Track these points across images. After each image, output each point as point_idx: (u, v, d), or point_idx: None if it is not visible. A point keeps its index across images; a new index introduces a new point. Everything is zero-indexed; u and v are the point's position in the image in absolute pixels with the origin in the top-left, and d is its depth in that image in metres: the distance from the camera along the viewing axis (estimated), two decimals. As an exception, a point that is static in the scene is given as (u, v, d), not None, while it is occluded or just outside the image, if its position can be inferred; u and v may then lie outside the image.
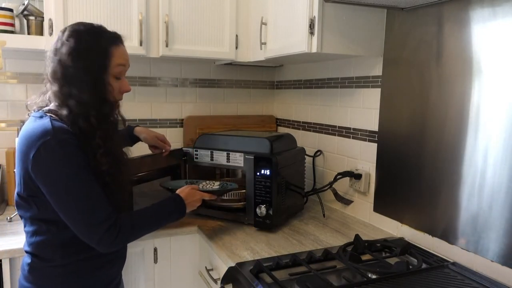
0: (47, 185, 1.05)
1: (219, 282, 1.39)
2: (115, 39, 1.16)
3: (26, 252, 1.17)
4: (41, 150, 1.02)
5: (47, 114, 1.10)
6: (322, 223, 1.71)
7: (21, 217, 1.16)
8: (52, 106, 1.14)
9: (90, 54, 1.11)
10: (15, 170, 1.22)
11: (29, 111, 1.19)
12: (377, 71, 1.66)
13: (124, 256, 1.31)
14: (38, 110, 1.15)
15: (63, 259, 1.13)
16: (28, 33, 1.80)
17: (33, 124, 1.09)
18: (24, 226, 1.16)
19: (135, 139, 1.65)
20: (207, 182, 1.69)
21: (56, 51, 1.11)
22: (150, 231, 1.26)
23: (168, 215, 1.29)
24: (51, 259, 1.13)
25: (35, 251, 1.14)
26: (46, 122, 1.06)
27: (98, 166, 1.10)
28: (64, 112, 1.09)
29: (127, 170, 1.23)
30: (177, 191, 1.38)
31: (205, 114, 2.36)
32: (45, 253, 1.13)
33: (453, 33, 1.31)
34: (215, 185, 1.65)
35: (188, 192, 1.38)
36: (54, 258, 1.13)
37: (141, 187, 1.64)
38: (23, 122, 1.95)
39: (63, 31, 1.13)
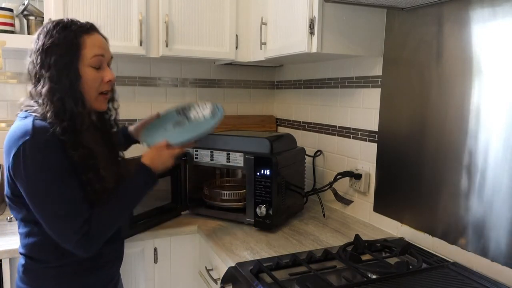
0: (24, 186, 1.03)
1: (219, 282, 1.39)
2: (86, 29, 1.12)
3: (21, 254, 1.15)
4: (20, 150, 1.01)
5: (32, 114, 1.08)
6: (322, 223, 1.71)
7: (16, 218, 1.14)
8: (35, 105, 1.11)
9: (59, 48, 1.07)
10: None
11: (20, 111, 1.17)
12: (377, 71, 1.66)
13: (122, 256, 1.29)
14: (25, 110, 1.13)
15: (58, 261, 1.11)
16: (28, 33, 1.80)
17: (17, 124, 1.08)
18: (18, 228, 1.15)
19: (131, 140, 1.56)
20: (199, 104, 1.50)
21: (30, 51, 1.10)
22: (127, 215, 1.22)
23: (140, 191, 1.20)
24: (45, 261, 1.11)
25: (29, 253, 1.12)
26: (28, 122, 1.05)
27: (83, 166, 1.07)
28: (45, 110, 1.07)
29: (112, 170, 1.19)
30: (142, 158, 1.24)
31: (205, 114, 2.36)
32: (39, 255, 1.12)
33: (453, 33, 1.31)
34: (207, 107, 1.47)
35: (153, 155, 1.24)
36: (49, 259, 1.11)
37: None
38: (23, 122, 1.95)
39: (40, 28, 1.12)
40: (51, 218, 1.05)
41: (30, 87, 1.11)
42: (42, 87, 1.07)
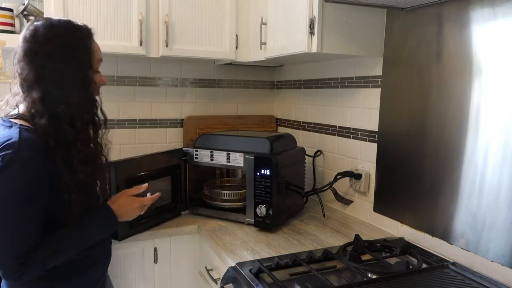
0: None
1: (219, 282, 1.39)
2: (90, 33, 1.11)
3: None
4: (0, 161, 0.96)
5: (17, 123, 1.02)
6: (322, 223, 1.71)
7: None
8: (23, 113, 1.05)
9: (75, 53, 1.06)
10: None
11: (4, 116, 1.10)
12: (377, 71, 1.66)
13: (110, 255, 1.27)
14: (6, 117, 1.07)
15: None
16: (28, 33, 1.80)
17: (1, 132, 1.02)
18: None
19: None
20: None
21: (35, 52, 1.02)
22: (75, 253, 1.10)
23: (93, 234, 1.13)
24: None
25: None
26: (14, 133, 0.99)
27: (74, 176, 1.04)
28: (43, 121, 1.01)
29: (103, 176, 1.18)
30: (110, 200, 1.19)
31: (205, 114, 2.36)
32: None
33: (453, 33, 1.31)
34: None
35: (122, 201, 1.19)
36: None
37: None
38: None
39: (34, 30, 1.04)
40: None
41: (36, 93, 1.02)
42: (57, 93, 1.03)
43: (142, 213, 1.27)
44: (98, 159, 1.16)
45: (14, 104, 1.10)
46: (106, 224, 1.16)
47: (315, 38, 1.48)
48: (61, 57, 1.04)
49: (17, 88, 1.08)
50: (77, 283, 1.16)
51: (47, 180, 1.01)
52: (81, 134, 1.07)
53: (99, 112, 1.15)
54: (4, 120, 1.06)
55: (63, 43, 1.05)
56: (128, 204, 1.20)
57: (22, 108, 1.08)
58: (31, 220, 1.00)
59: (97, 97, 1.16)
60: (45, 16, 1.67)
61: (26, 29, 1.06)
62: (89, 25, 1.14)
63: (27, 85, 1.04)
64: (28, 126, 1.03)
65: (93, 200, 1.16)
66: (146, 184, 1.31)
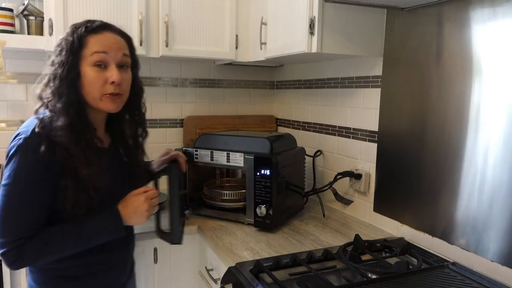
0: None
1: (219, 282, 1.39)
2: (93, 28, 1.08)
3: None
4: (11, 145, 1.03)
5: (39, 116, 1.07)
6: (322, 223, 1.71)
7: None
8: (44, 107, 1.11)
9: (62, 48, 1.07)
10: None
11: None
12: (377, 71, 1.66)
13: (126, 262, 1.26)
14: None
15: (59, 264, 1.09)
16: (28, 33, 1.80)
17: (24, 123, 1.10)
18: None
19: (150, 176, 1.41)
20: None
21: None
22: (68, 254, 1.08)
23: (93, 233, 1.09)
24: (47, 263, 1.09)
25: None
26: (30, 122, 1.06)
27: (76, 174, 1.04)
28: (46, 108, 1.07)
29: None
30: (120, 203, 1.14)
31: (205, 114, 2.36)
32: None
33: (453, 33, 1.31)
34: None
35: (128, 199, 1.14)
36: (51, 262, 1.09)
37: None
38: (23, 122, 1.95)
39: None
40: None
41: (39, 89, 1.10)
42: (44, 85, 1.08)
43: (154, 211, 1.21)
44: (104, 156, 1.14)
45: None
46: (108, 224, 1.11)
47: (315, 38, 1.48)
48: (54, 52, 1.09)
49: None
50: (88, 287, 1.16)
51: (53, 173, 1.03)
52: (73, 122, 1.05)
53: (92, 107, 1.11)
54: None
55: (60, 42, 1.09)
56: (134, 200, 1.14)
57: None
58: (37, 207, 1.03)
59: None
60: (44, 16, 1.68)
61: None
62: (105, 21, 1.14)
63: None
64: (44, 120, 1.06)
65: (101, 201, 1.11)
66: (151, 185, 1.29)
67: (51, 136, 1.02)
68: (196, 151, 1.76)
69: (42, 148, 1.00)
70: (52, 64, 1.08)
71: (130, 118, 1.24)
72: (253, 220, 1.60)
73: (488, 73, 1.21)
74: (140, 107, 1.25)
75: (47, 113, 1.06)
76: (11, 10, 1.74)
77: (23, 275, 1.46)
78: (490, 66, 1.20)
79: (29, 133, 1.02)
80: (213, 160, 1.72)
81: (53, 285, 1.13)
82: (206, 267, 1.58)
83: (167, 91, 2.25)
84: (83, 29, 1.08)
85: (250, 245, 1.45)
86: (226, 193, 1.74)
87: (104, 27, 1.11)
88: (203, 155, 1.74)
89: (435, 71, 1.38)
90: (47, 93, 1.07)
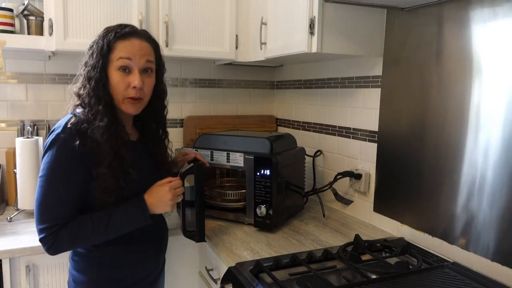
0: (40, 170, 1.13)
1: (219, 282, 1.39)
2: (124, 34, 1.16)
3: None
4: (49, 138, 1.11)
5: (76, 113, 1.16)
6: (322, 223, 1.71)
7: None
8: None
9: (93, 51, 1.15)
10: None
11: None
12: (377, 71, 1.66)
13: (159, 257, 1.36)
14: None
15: (97, 251, 1.19)
16: (28, 33, 1.80)
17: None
18: None
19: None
20: None
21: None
22: (101, 240, 1.16)
23: (120, 221, 1.15)
24: (86, 249, 1.20)
25: None
26: (65, 118, 1.15)
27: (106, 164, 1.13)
28: (84, 111, 1.15)
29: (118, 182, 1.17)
30: (146, 193, 1.21)
31: (205, 114, 2.36)
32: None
33: (453, 33, 1.31)
34: None
35: (153, 189, 1.21)
36: (87, 250, 1.20)
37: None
38: (23, 122, 1.95)
39: None
40: (37, 202, 1.11)
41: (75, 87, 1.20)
42: (81, 84, 1.16)
43: (179, 200, 1.27)
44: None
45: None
46: (134, 211, 1.17)
47: (315, 38, 1.48)
48: (86, 54, 1.18)
49: None
50: (119, 274, 1.23)
51: (85, 165, 1.11)
52: (102, 123, 1.13)
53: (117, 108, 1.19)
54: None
55: (91, 46, 1.18)
56: (159, 190, 1.21)
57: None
58: (71, 196, 1.11)
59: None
60: (44, 16, 1.68)
61: None
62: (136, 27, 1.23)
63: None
64: (79, 117, 1.14)
65: (130, 190, 1.18)
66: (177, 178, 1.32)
67: (86, 131, 1.11)
68: (196, 151, 1.76)
69: (75, 142, 1.08)
70: (86, 65, 1.16)
71: (151, 117, 1.33)
72: (253, 220, 1.60)
73: (488, 73, 1.21)
74: (161, 109, 1.35)
75: (85, 111, 1.14)
76: (11, 10, 1.74)
77: (23, 275, 1.46)
78: (490, 66, 1.20)
79: (61, 128, 1.11)
80: (213, 160, 1.72)
81: (91, 272, 1.21)
82: (206, 267, 1.58)
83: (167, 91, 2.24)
84: (113, 34, 1.15)
85: (250, 245, 1.45)
86: (226, 193, 1.74)
87: (132, 33, 1.18)
88: (203, 155, 1.74)
89: (435, 71, 1.38)
90: (84, 93, 1.15)
